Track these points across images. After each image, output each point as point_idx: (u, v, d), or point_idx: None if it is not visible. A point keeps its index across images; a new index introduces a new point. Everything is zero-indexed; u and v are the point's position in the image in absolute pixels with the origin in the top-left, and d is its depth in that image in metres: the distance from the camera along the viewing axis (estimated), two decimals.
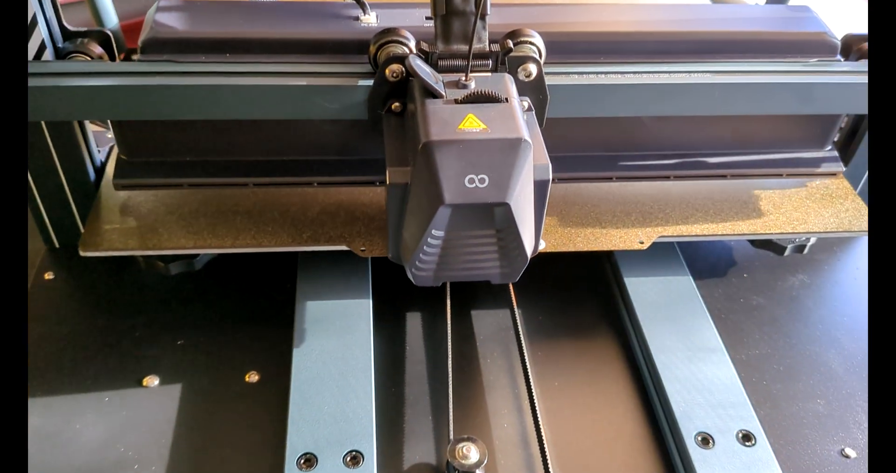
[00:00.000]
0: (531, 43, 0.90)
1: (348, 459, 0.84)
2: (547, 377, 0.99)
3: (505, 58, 0.87)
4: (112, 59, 1.01)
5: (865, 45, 1.08)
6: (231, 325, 1.04)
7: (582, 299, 1.12)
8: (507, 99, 0.82)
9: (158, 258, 1.05)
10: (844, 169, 1.16)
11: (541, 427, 0.90)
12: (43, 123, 0.98)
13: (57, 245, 1.14)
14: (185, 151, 1.04)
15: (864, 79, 0.97)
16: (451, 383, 0.94)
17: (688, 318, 1.04)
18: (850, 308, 1.13)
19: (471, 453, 0.85)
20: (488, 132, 0.78)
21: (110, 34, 1.00)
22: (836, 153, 1.16)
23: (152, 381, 0.96)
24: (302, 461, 0.84)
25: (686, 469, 0.87)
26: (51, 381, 0.95)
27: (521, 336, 1.01)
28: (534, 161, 0.79)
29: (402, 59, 0.85)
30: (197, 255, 1.07)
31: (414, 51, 0.88)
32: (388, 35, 0.88)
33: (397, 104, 0.89)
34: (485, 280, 0.89)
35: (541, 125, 0.90)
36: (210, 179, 1.05)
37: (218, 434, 0.91)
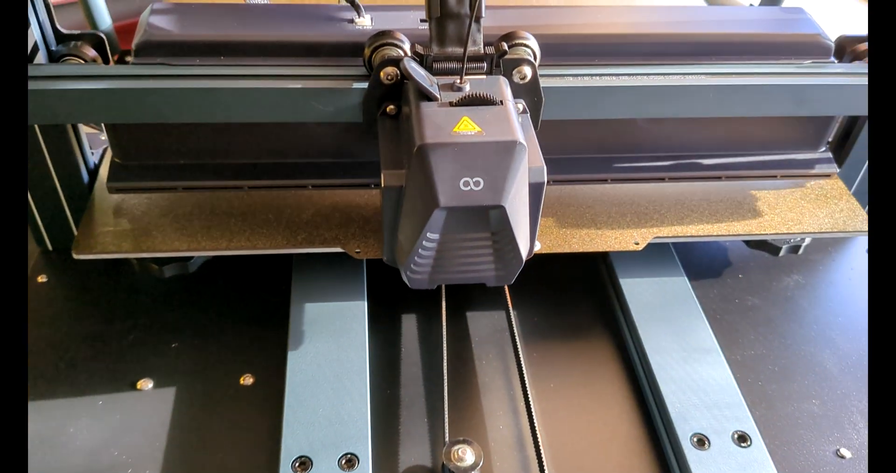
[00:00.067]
0: (526, 45, 0.90)
1: (343, 462, 0.84)
2: (542, 378, 0.99)
3: (500, 60, 0.87)
4: (105, 61, 1.01)
5: (859, 46, 1.09)
6: (225, 327, 1.04)
7: (577, 300, 1.12)
8: (501, 101, 0.82)
9: (152, 261, 1.05)
10: (839, 170, 1.16)
11: (536, 428, 0.90)
12: (36, 125, 0.98)
13: (50, 248, 1.14)
14: (180, 155, 1.03)
15: (859, 80, 0.98)
16: (446, 385, 0.94)
17: (683, 319, 1.04)
18: (846, 309, 1.13)
19: (466, 455, 0.85)
20: (483, 135, 0.78)
21: (104, 37, 1.00)
22: (830, 155, 1.16)
23: (146, 384, 0.96)
24: (297, 464, 0.84)
25: (682, 470, 0.87)
26: (44, 385, 0.95)
27: (517, 338, 1.01)
28: (529, 164, 0.79)
29: (396, 61, 0.85)
30: (191, 257, 1.07)
31: (409, 53, 0.88)
32: (382, 38, 0.88)
33: (392, 107, 0.89)
34: (480, 283, 0.89)
35: (535, 128, 0.90)
36: (204, 182, 1.04)
37: (212, 438, 0.90)
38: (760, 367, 1.03)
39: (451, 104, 0.81)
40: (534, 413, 0.91)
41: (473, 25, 0.84)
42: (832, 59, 1.05)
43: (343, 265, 1.07)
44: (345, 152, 1.05)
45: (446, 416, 0.91)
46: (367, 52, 0.89)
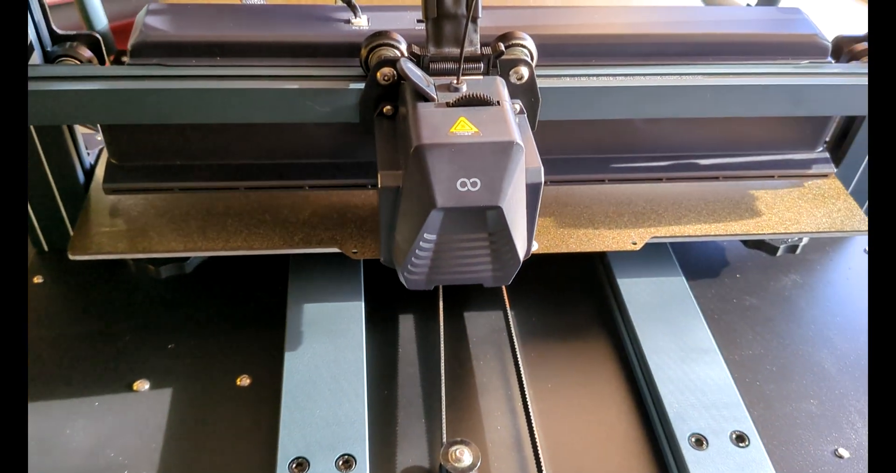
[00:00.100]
0: (523, 46, 0.89)
1: (340, 463, 0.84)
2: (540, 378, 0.99)
3: (496, 61, 0.87)
4: (101, 62, 1.01)
5: (856, 46, 1.09)
6: (222, 328, 1.04)
7: (575, 300, 1.12)
8: (498, 102, 0.82)
9: (148, 261, 1.05)
10: (836, 170, 1.16)
11: (534, 429, 0.90)
12: (32, 126, 0.98)
13: (46, 249, 1.13)
14: (176, 156, 1.03)
15: (856, 80, 0.98)
16: (443, 385, 0.94)
17: (681, 319, 1.04)
18: (843, 308, 1.13)
19: (464, 456, 0.85)
20: (480, 136, 0.78)
21: (99, 37, 1.00)
22: (827, 155, 1.16)
23: (143, 385, 0.96)
24: (294, 465, 0.84)
25: (680, 470, 0.87)
26: (40, 386, 0.95)
27: (514, 338, 1.01)
28: (526, 164, 0.79)
29: (393, 62, 0.85)
30: (187, 258, 1.06)
31: (405, 54, 0.87)
32: (379, 38, 0.88)
33: (389, 108, 0.89)
34: (477, 284, 0.88)
35: (533, 128, 0.90)
36: (201, 183, 1.04)
37: (209, 439, 0.90)
38: (758, 367, 1.02)
39: (447, 105, 0.81)
40: (531, 414, 0.91)
41: (470, 26, 0.84)
42: (829, 59, 1.05)
43: (340, 266, 1.06)
44: (342, 153, 1.05)
45: (444, 417, 0.91)
46: (363, 52, 0.89)
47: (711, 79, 0.95)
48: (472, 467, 0.84)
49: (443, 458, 0.85)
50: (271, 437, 0.87)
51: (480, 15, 0.85)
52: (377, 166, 0.83)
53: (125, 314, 1.05)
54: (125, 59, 0.95)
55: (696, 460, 0.86)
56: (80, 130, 1.06)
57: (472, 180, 0.76)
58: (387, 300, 1.09)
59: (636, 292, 1.07)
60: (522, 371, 0.96)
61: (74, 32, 1.00)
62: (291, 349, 0.96)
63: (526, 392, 0.94)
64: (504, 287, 1.07)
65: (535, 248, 0.93)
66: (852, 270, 1.20)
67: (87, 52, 0.99)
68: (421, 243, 0.79)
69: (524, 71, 0.88)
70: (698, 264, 1.19)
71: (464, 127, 0.78)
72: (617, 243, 1.04)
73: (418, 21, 0.88)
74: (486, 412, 0.95)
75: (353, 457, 0.85)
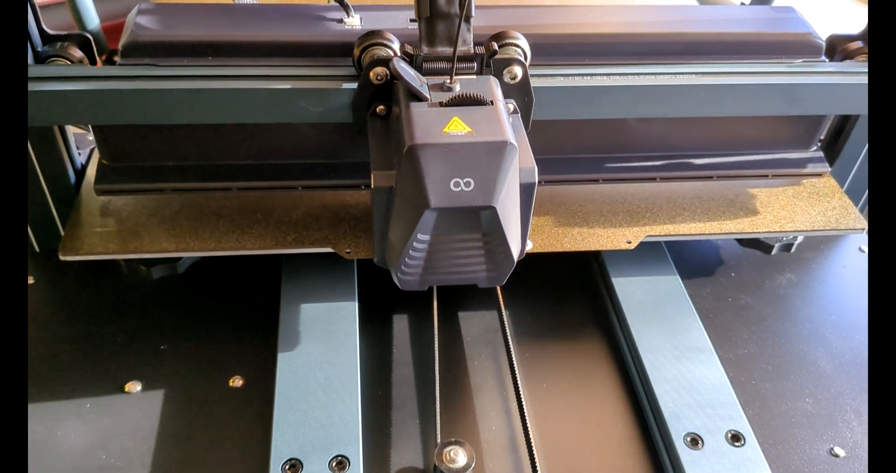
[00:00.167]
0: (516, 45, 0.89)
1: (334, 464, 0.84)
2: (535, 378, 0.99)
3: (490, 60, 0.86)
4: (92, 62, 1.00)
5: (850, 45, 1.09)
6: (215, 329, 1.03)
7: (570, 299, 1.12)
8: (492, 102, 0.81)
9: (140, 262, 1.04)
10: (829, 169, 1.16)
11: (529, 429, 0.89)
12: None
13: (37, 249, 1.13)
14: (168, 156, 1.03)
15: (849, 79, 0.98)
16: (438, 386, 0.94)
17: (676, 318, 1.04)
18: (839, 307, 1.13)
19: (458, 456, 0.84)
20: (473, 135, 0.77)
21: (90, 37, 0.99)
22: (821, 154, 1.16)
23: (135, 387, 0.95)
24: (287, 466, 0.83)
25: (675, 469, 0.87)
26: (32, 387, 0.94)
27: (509, 338, 1.01)
28: (520, 164, 0.79)
29: (386, 61, 0.85)
30: (179, 258, 1.06)
31: (398, 53, 0.87)
32: (371, 38, 0.88)
33: (382, 107, 0.88)
34: (472, 284, 0.88)
35: (526, 128, 0.90)
36: (193, 183, 1.04)
37: (202, 440, 0.90)
38: (754, 366, 1.02)
39: (441, 104, 0.81)
40: (526, 414, 0.91)
41: (463, 25, 0.84)
42: (823, 58, 1.05)
43: (334, 266, 1.06)
44: (335, 153, 1.05)
45: (438, 417, 0.91)
46: (356, 52, 0.89)
47: (705, 78, 0.95)
48: (466, 467, 0.84)
49: (437, 459, 0.84)
50: (264, 438, 0.87)
51: (473, 14, 0.84)
52: (370, 166, 0.82)
53: (117, 314, 1.04)
54: (116, 58, 0.95)
55: (692, 459, 0.86)
56: (71, 129, 1.06)
57: (465, 180, 0.76)
58: (381, 300, 1.08)
59: (631, 291, 1.07)
60: (517, 371, 0.96)
61: (65, 32, 0.99)
62: (284, 350, 0.96)
63: (521, 392, 0.93)
64: (499, 287, 1.07)
65: (529, 247, 0.92)
66: (847, 268, 1.20)
67: (78, 53, 0.98)
68: (414, 243, 0.79)
69: (518, 70, 0.87)
70: (693, 262, 1.19)
71: (457, 127, 0.78)
72: (612, 242, 1.04)
73: (411, 20, 0.88)
74: (480, 412, 0.95)
75: (347, 458, 0.84)
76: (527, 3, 1.19)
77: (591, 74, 0.94)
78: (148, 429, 0.90)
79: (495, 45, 0.86)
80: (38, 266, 1.11)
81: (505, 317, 1.04)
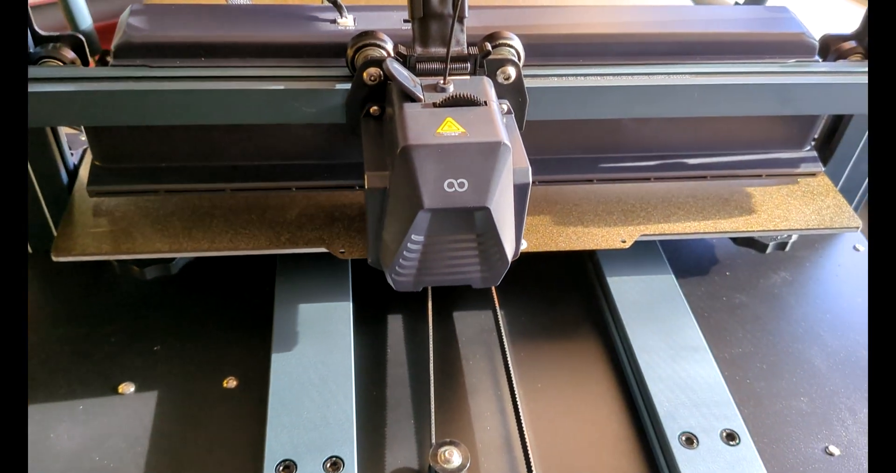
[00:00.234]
0: (510, 45, 0.89)
1: (328, 465, 0.84)
2: (530, 378, 0.99)
3: (483, 61, 0.86)
4: (85, 63, 1.00)
5: (844, 45, 1.09)
6: (208, 330, 1.03)
7: (564, 299, 1.12)
8: (485, 102, 0.81)
9: (133, 263, 1.04)
10: (823, 169, 1.16)
11: (524, 429, 0.89)
12: None
13: (29, 250, 1.12)
14: (161, 157, 1.02)
15: (843, 79, 0.98)
16: (432, 386, 0.94)
17: (670, 317, 1.04)
18: (833, 305, 1.13)
19: (453, 457, 0.84)
20: (467, 136, 0.77)
21: (82, 38, 0.99)
22: (814, 154, 1.16)
23: (128, 388, 0.95)
24: (281, 467, 0.83)
25: (670, 469, 0.87)
26: None
27: (504, 338, 1.00)
28: (513, 164, 0.79)
29: (379, 62, 0.85)
30: (173, 259, 1.05)
31: (392, 54, 0.87)
32: (365, 38, 0.88)
33: (375, 108, 0.88)
34: (466, 285, 0.88)
35: (520, 128, 0.90)
36: (186, 184, 1.03)
37: (196, 442, 0.90)
38: (748, 365, 1.03)
39: (434, 105, 0.81)
40: (521, 414, 0.91)
41: (456, 26, 0.83)
42: (816, 58, 1.05)
43: (328, 266, 1.06)
44: (328, 154, 1.04)
45: (433, 417, 0.90)
46: (349, 52, 0.89)
47: (699, 78, 0.95)
48: (461, 468, 0.84)
49: (432, 459, 0.84)
50: (258, 439, 0.87)
51: (467, 14, 0.84)
52: (364, 167, 0.82)
53: (110, 315, 1.04)
54: (109, 59, 0.94)
55: (687, 459, 0.86)
56: (63, 130, 1.05)
57: (459, 180, 0.76)
58: (375, 301, 1.08)
59: (626, 290, 1.07)
60: (512, 371, 0.96)
61: (57, 33, 0.99)
62: (278, 351, 0.95)
63: (515, 392, 0.93)
64: (493, 287, 1.07)
65: (524, 246, 0.92)
66: (842, 267, 1.21)
67: (70, 54, 0.97)
68: (408, 244, 0.79)
69: (511, 71, 0.87)
70: (688, 262, 1.19)
71: (451, 127, 0.78)
72: (606, 242, 1.04)
73: (404, 21, 0.87)
74: (475, 412, 0.95)
75: (341, 459, 0.84)
76: (520, 4, 1.18)
77: (585, 75, 0.94)
78: (141, 430, 0.90)
79: (489, 46, 0.86)
80: (30, 267, 1.10)
81: (500, 317, 1.04)
